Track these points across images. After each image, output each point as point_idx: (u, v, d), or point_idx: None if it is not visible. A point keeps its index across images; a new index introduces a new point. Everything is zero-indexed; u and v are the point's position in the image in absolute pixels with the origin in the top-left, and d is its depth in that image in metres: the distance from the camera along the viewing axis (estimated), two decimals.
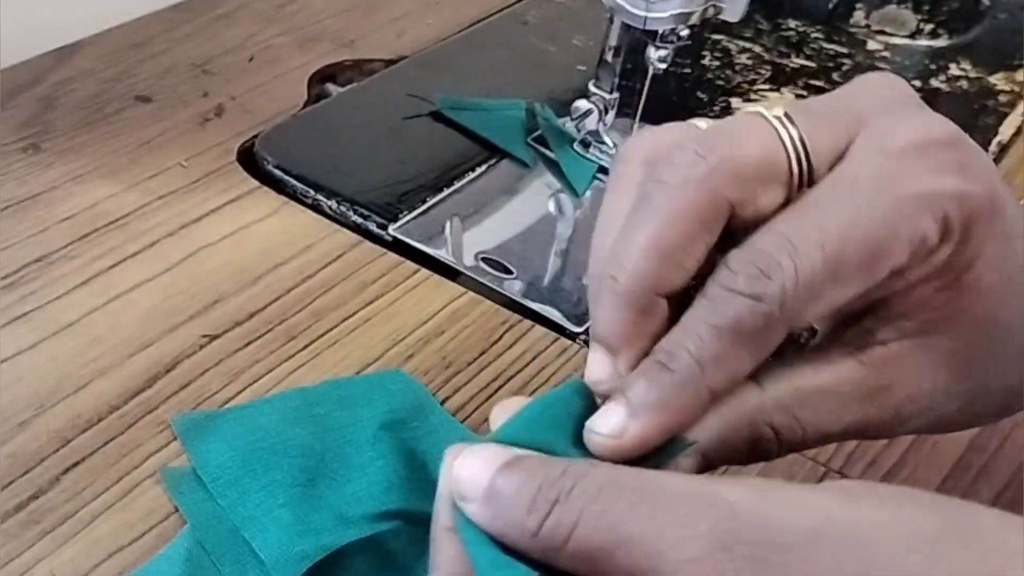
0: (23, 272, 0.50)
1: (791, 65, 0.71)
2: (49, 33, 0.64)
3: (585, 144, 0.60)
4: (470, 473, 0.30)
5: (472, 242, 0.55)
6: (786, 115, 0.33)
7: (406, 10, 0.72)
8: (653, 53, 0.55)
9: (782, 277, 0.31)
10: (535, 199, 0.59)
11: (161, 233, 0.53)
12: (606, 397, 0.32)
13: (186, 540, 0.39)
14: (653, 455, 0.31)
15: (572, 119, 0.59)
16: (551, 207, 0.59)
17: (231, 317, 0.49)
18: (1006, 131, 0.68)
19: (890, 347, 0.34)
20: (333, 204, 0.56)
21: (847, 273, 0.31)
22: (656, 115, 0.59)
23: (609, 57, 0.57)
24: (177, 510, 0.40)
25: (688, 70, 0.69)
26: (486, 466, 0.30)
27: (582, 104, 0.58)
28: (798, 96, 0.68)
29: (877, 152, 0.32)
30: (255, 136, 0.60)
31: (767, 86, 0.68)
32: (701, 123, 0.35)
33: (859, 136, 0.33)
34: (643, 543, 0.27)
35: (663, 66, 0.56)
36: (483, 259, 0.54)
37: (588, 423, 0.32)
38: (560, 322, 0.51)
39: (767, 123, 0.33)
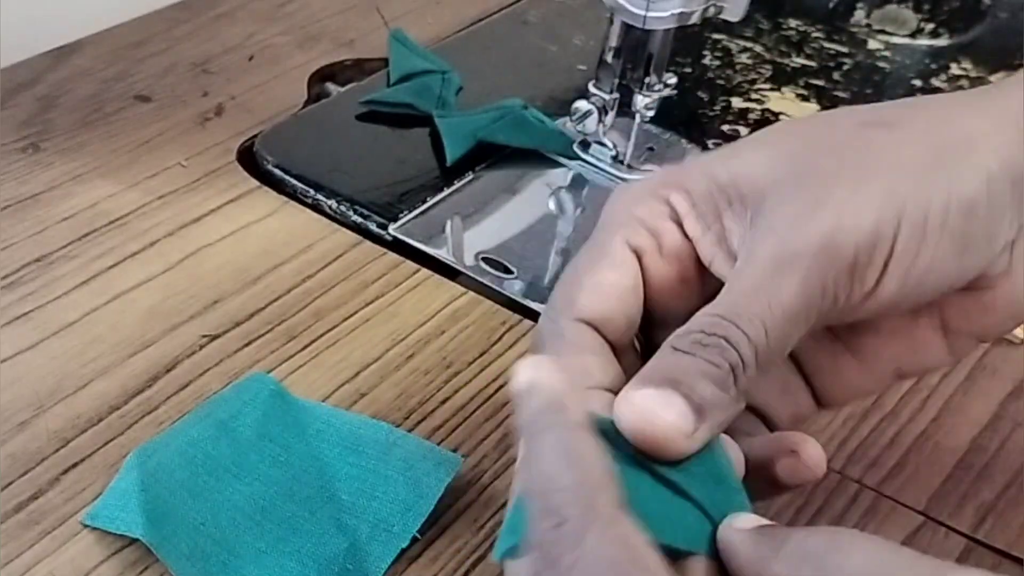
0: (23, 272, 0.50)
1: (792, 65, 0.71)
2: (48, 32, 0.64)
3: (585, 145, 0.60)
4: None
5: (472, 242, 0.55)
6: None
7: (406, 9, 0.72)
8: (640, 102, 0.56)
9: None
10: (535, 198, 0.59)
11: (161, 233, 0.53)
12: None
13: (135, 463, 0.40)
14: None
15: (572, 120, 0.59)
16: (551, 206, 0.58)
17: (231, 317, 0.49)
18: None
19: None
20: (333, 204, 0.56)
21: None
22: (656, 116, 0.59)
23: (609, 58, 0.57)
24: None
25: (688, 70, 0.69)
26: None
27: (582, 105, 0.58)
28: (799, 96, 0.68)
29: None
30: (255, 136, 0.60)
31: (767, 85, 0.68)
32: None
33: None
34: None
35: (650, 113, 0.58)
36: (483, 259, 0.54)
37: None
38: None
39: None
